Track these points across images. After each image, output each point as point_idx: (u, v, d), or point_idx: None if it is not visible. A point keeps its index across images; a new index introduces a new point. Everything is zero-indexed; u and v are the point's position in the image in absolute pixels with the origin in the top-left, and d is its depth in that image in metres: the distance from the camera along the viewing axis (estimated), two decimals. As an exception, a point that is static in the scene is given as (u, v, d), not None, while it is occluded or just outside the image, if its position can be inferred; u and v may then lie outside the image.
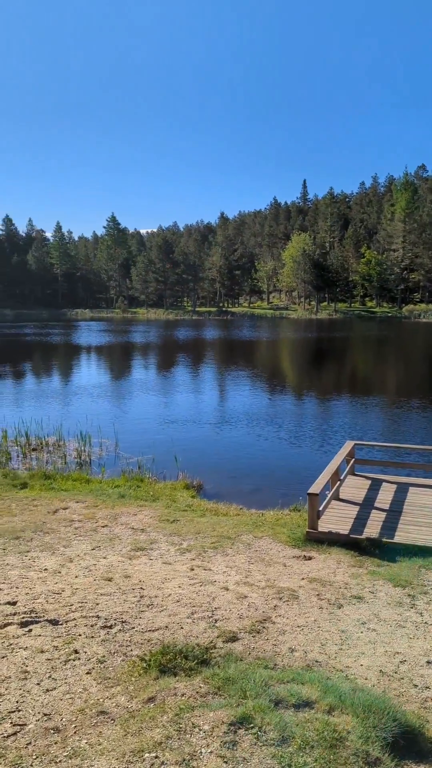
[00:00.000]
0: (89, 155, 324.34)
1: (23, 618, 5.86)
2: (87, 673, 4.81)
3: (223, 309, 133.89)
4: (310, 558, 8.59)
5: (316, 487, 9.30)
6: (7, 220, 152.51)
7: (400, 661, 5.32)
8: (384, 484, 11.80)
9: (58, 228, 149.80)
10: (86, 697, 4.40)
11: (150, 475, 13.94)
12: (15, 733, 3.88)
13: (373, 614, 6.44)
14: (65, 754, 3.69)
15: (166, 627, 5.84)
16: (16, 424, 18.32)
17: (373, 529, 9.46)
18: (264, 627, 5.99)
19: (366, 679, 5.00)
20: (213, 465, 15.44)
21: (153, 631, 5.74)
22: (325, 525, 9.55)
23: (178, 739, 3.74)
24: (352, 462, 12.49)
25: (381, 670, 5.17)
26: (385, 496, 11.03)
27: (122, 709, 4.16)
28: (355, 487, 11.60)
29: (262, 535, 9.57)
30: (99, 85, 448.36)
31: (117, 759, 3.60)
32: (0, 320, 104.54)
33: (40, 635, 5.52)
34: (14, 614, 5.96)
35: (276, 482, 13.91)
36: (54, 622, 5.82)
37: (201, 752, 3.64)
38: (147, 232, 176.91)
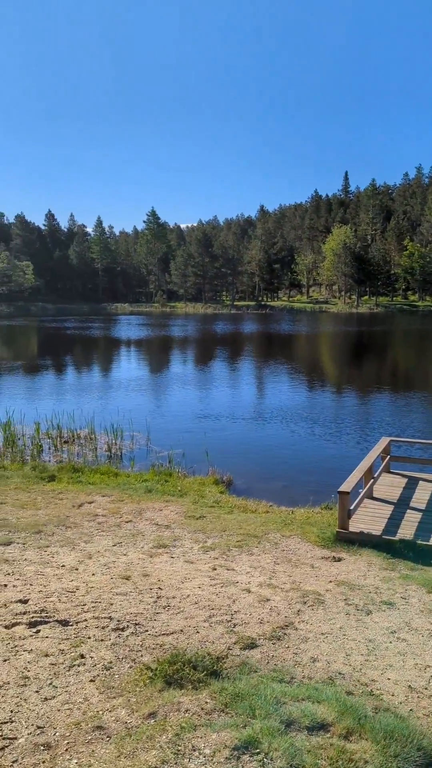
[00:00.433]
0: (133, 151, 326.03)
1: (32, 618, 5.63)
2: (90, 680, 4.52)
3: (262, 303, 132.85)
4: (339, 559, 8.17)
5: (347, 485, 8.88)
6: (49, 216, 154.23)
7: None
8: (421, 482, 11.24)
9: (99, 223, 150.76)
10: (85, 708, 4.10)
11: (179, 470, 13.67)
12: (3, 748, 3.59)
13: (404, 622, 6.00)
14: (51, 775, 3.38)
15: (181, 631, 5.52)
16: (50, 417, 18.29)
17: (407, 530, 8.98)
18: (285, 633, 5.62)
19: (393, 695, 4.58)
20: (245, 460, 15.08)
21: (167, 635, 5.43)
22: (356, 525, 9.10)
23: (175, 763, 3.39)
24: (387, 459, 11.97)
25: (410, 685, 4.75)
26: (422, 496, 10.49)
27: (120, 725, 3.84)
28: (390, 486, 11.09)
29: (291, 534, 9.18)
30: (148, 83, 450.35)
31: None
32: (42, 314, 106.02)
33: (47, 637, 5.27)
34: (24, 613, 5.73)
35: (308, 479, 13.47)
36: (64, 623, 5.57)
37: (198, 781, 3.28)
38: (187, 227, 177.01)
